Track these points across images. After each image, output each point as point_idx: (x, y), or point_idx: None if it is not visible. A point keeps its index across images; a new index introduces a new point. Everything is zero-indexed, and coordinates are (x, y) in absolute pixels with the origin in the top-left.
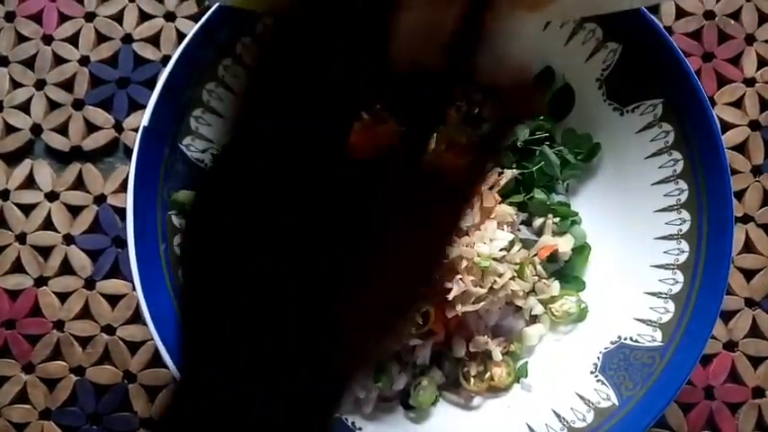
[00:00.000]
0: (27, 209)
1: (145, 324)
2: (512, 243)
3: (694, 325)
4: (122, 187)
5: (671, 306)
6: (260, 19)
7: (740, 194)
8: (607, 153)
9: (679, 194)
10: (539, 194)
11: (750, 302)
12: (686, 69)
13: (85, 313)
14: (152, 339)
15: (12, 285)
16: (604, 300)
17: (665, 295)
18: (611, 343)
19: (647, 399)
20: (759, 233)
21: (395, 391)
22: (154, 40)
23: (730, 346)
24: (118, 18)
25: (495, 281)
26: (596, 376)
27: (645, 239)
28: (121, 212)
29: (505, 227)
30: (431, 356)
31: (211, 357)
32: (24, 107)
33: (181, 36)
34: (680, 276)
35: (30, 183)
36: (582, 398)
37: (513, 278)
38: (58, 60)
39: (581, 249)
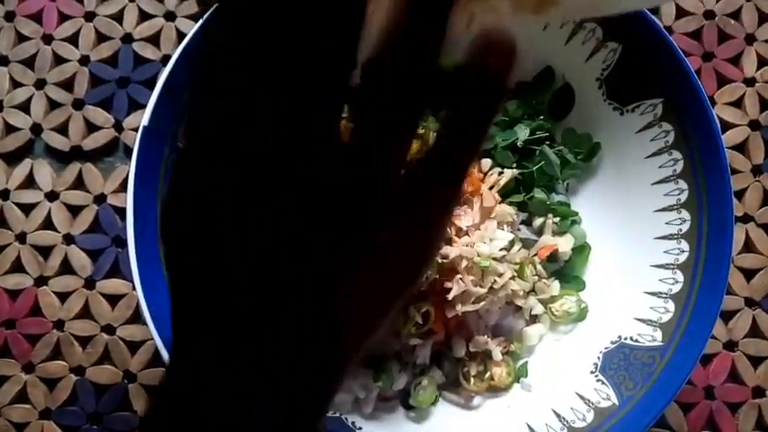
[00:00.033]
0: (27, 208)
1: (145, 324)
2: (512, 243)
3: (694, 325)
4: (122, 187)
5: (671, 306)
6: None
7: (740, 194)
8: (607, 153)
9: (679, 194)
10: (539, 194)
11: (750, 302)
12: (686, 69)
13: (85, 313)
14: (152, 339)
15: (12, 285)
16: (604, 299)
17: (665, 295)
18: (612, 343)
19: (648, 398)
20: (759, 233)
21: (395, 391)
22: (154, 40)
23: (730, 345)
24: (118, 18)
25: (495, 280)
26: (596, 376)
27: (645, 239)
28: (121, 212)
29: (505, 226)
30: (431, 356)
31: (208, 356)
32: (24, 107)
33: (181, 36)
34: (680, 276)
35: (30, 182)
36: (582, 397)
37: (513, 278)
38: (58, 60)
39: (581, 249)
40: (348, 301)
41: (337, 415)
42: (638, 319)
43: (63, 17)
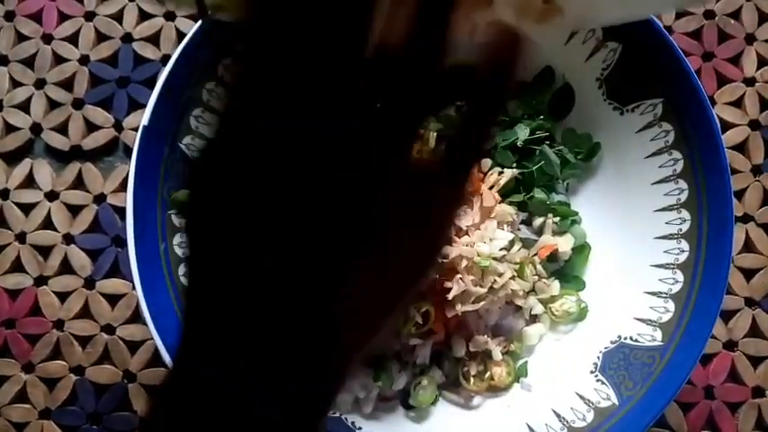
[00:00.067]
0: (27, 208)
1: (145, 324)
2: (512, 242)
3: (694, 324)
4: (122, 187)
5: (671, 305)
6: None
7: (740, 194)
8: (607, 152)
9: (679, 194)
10: (539, 194)
11: (750, 302)
12: (686, 69)
13: (85, 313)
14: (152, 339)
15: (11, 285)
16: (604, 299)
17: (665, 295)
18: (611, 342)
19: (647, 398)
20: (759, 233)
21: (395, 391)
22: (154, 40)
23: (730, 345)
24: (118, 17)
25: (495, 280)
26: (596, 376)
27: (645, 239)
28: (121, 212)
29: (505, 226)
30: (431, 356)
31: (211, 357)
32: (24, 106)
33: (181, 35)
34: (680, 276)
35: (29, 182)
36: (582, 397)
37: (513, 278)
38: (58, 59)
39: (581, 249)
40: (348, 301)
41: (337, 415)
42: (638, 319)
43: (63, 17)
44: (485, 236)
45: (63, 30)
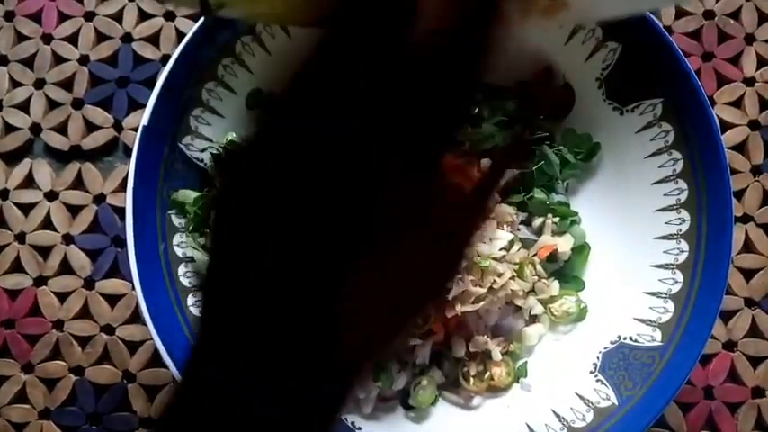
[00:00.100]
0: (26, 208)
1: (144, 324)
2: (511, 243)
3: (694, 325)
4: (122, 187)
5: (670, 306)
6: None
7: (740, 194)
8: (607, 153)
9: (679, 194)
10: (538, 194)
11: (749, 302)
12: (686, 69)
13: (85, 313)
14: (151, 339)
15: (11, 285)
16: (604, 299)
17: (664, 295)
18: (611, 343)
19: (647, 398)
20: (758, 233)
21: (394, 391)
22: (153, 40)
23: (730, 345)
24: (117, 17)
25: (494, 280)
26: (596, 376)
27: (644, 239)
28: (121, 212)
29: (505, 226)
30: (430, 356)
31: (212, 357)
32: (24, 106)
33: (180, 35)
34: (679, 276)
35: (29, 182)
36: (581, 397)
37: (512, 278)
38: (58, 59)
39: (581, 249)
40: (348, 301)
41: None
42: (638, 319)
43: (63, 17)
44: (484, 236)
45: (63, 30)
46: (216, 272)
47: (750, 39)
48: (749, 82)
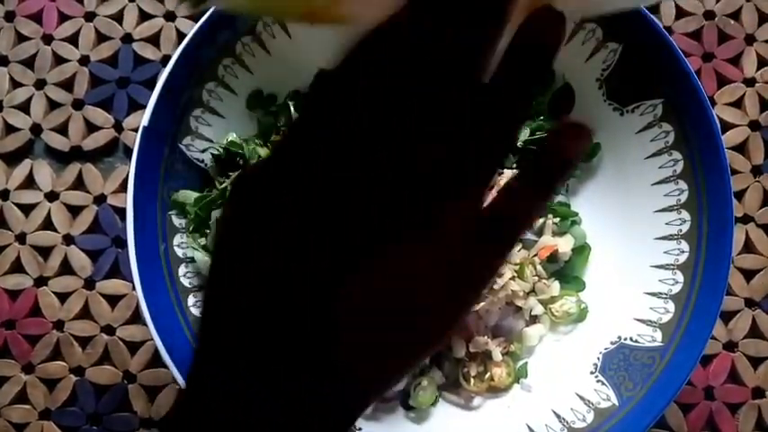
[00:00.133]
0: (27, 209)
1: (145, 324)
2: None
3: (694, 325)
4: (122, 187)
5: (671, 306)
6: (260, 18)
7: (740, 195)
8: (607, 153)
9: (679, 195)
10: None
11: (750, 303)
12: (686, 69)
13: (85, 313)
14: (152, 339)
15: (11, 285)
16: (604, 300)
17: (665, 295)
18: (611, 343)
19: (647, 399)
20: (759, 233)
21: (394, 392)
22: (154, 40)
23: (730, 346)
24: (118, 18)
25: (494, 281)
26: (596, 376)
27: (645, 240)
28: (121, 212)
29: None
30: (430, 357)
31: (212, 358)
32: (24, 107)
33: (181, 36)
34: (680, 276)
35: (29, 183)
36: (582, 398)
37: (513, 278)
38: (58, 60)
39: (581, 249)
40: (348, 301)
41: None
42: (638, 320)
43: (63, 17)
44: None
45: (63, 30)
46: (217, 272)
47: (750, 39)
48: (749, 82)
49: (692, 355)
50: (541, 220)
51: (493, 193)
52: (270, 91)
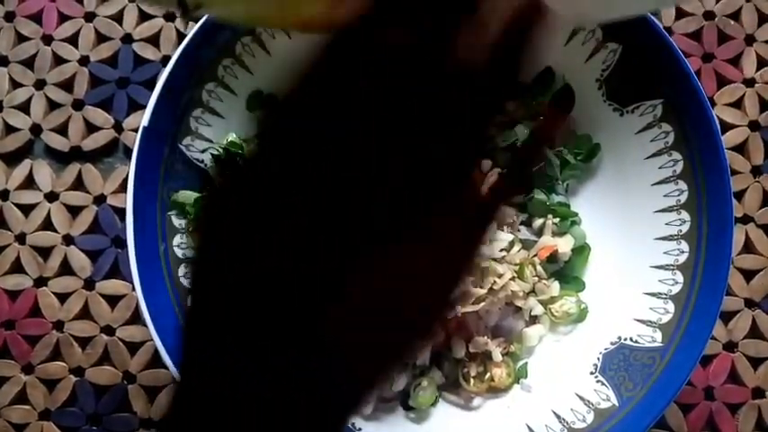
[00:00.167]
0: (27, 209)
1: (144, 325)
2: (511, 243)
3: (694, 326)
4: (122, 187)
5: (671, 307)
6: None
7: (740, 195)
8: (607, 154)
9: (679, 195)
10: (538, 195)
11: (750, 303)
12: (686, 70)
13: (85, 314)
14: (152, 340)
15: (11, 286)
16: (604, 300)
17: (664, 296)
18: (611, 343)
19: (647, 399)
20: (759, 233)
21: (394, 392)
22: (154, 40)
23: (730, 346)
24: (118, 18)
25: (494, 281)
26: (596, 377)
27: (645, 240)
28: (121, 213)
29: (505, 227)
30: (430, 357)
31: (200, 333)
32: (24, 107)
33: (181, 36)
34: (680, 277)
35: (29, 183)
36: (582, 398)
37: (512, 279)
38: (58, 60)
39: (581, 250)
40: (334, 280)
41: (352, 422)
42: (638, 320)
43: (63, 17)
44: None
45: (63, 30)
46: (206, 250)
47: (750, 39)
48: (749, 83)
49: (692, 355)
50: (541, 221)
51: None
52: (270, 91)
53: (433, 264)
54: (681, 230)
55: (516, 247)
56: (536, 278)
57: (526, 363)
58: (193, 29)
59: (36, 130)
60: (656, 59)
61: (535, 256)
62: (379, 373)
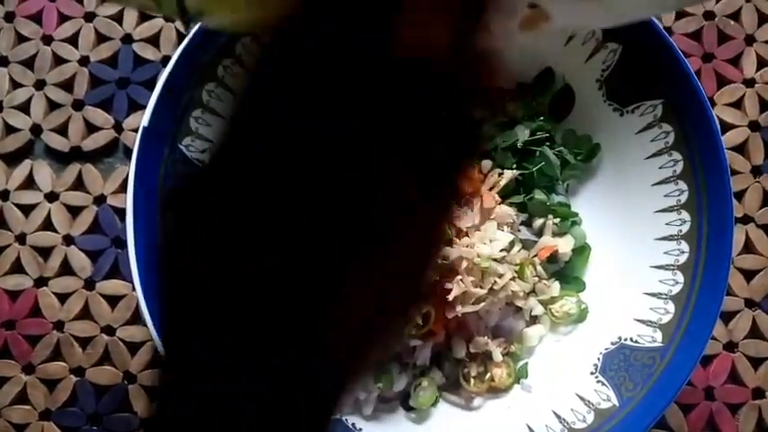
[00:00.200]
0: (27, 209)
1: (144, 325)
2: (512, 244)
3: (694, 326)
4: (122, 188)
5: (671, 307)
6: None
7: (740, 195)
8: (607, 154)
9: (679, 195)
10: (539, 195)
11: (750, 303)
12: (686, 70)
13: (85, 314)
14: (152, 340)
15: (12, 286)
16: (604, 300)
17: (665, 296)
18: (612, 344)
19: (648, 399)
20: (759, 234)
21: (395, 392)
22: (154, 41)
23: (730, 346)
24: (118, 18)
25: (495, 281)
26: (596, 377)
27: (645, 240)
28: (121, 213)
29: (505, 227)
30: (431, 357)
31: (199, 332)
32: (24, 107)
33: (181, 36)
34: (680, 277)
35: (29, 183)
36: (582, 399)
37: (513, 279)
38: (58, 60)
39: (581, 250)
40: (334, 279)
41: (337, 416)
42: (639, 320)
43: (63, 18)
44: (485, 237)
45: (63, 31)
46: (204, 249)
47: (750, 40)
48: (749, 83)
49: (693, 355)
50: (542, 221)
51: (494, 195)
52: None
53: (418, 261)
54: (681, 230)
55: (516, 248)
56: (536, 278)
57: (526, 363)
58: (193, 29)
59: (36, 130)
60: (656, 59)
61: (535, 256)
62: (367, 366)
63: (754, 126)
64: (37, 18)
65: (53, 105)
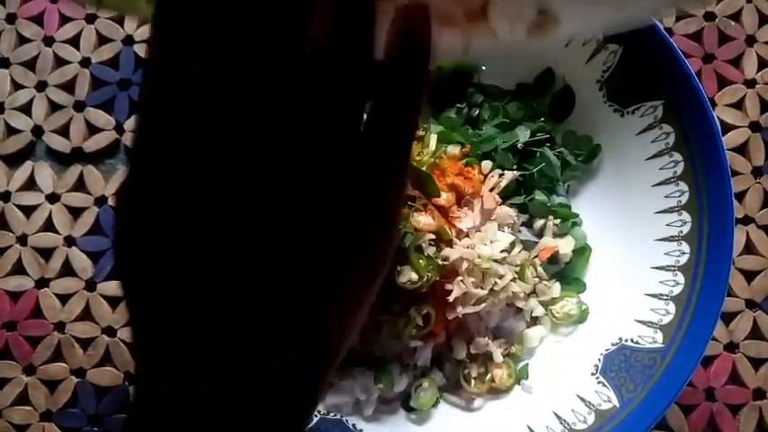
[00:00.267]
0: (28, 210)
1: None
2: (512, 245)
3: (695, 326)
4: None
5: (672, 307)
6: None
7: (741, 196)
8: (607, 154)
9: (680, 196)
10: (539, 196)
11: (751, 304)
12: (686, 71)
13: (86, 315)
14: None
15: (13, 287)
16: (605, 301)
17: (665, 297)
18: (612, 344)
19: (648, 400)
20: (760, 234)
21: (396, 393)
22: None
23: (731, 347)
24: (119, 20)
25: (495, 282)
26: (597, 378)
27: (645, 241)
28: None
29: (506, 228)
30: (431, 358)
31: (199, 332)
32: (25, 109)
33: None
34: (681, 278)
35: (31, 184)
36: (583, 399)
37: (513, 280)
38: (60, 62)
39: (582, 251)
40: (332, 279)
41: (338, 417)
42: (639, 321)
43: (64, 19)
44: (485, 238)
45: (64, 32)
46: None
47: (751, 40)
48: (750, 84)
49: (693, 356)
50: (542, 222)
51: (494, 195)
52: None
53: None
54: (682, 231)
55: (517, 249)
56: (537, 279)
57: (527, 364)
58: None
59: (37, 131)
60: (656, 60)
61: (536, 257)
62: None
63: (754, 127)
64: (38, 20)
65: (54, 107)
